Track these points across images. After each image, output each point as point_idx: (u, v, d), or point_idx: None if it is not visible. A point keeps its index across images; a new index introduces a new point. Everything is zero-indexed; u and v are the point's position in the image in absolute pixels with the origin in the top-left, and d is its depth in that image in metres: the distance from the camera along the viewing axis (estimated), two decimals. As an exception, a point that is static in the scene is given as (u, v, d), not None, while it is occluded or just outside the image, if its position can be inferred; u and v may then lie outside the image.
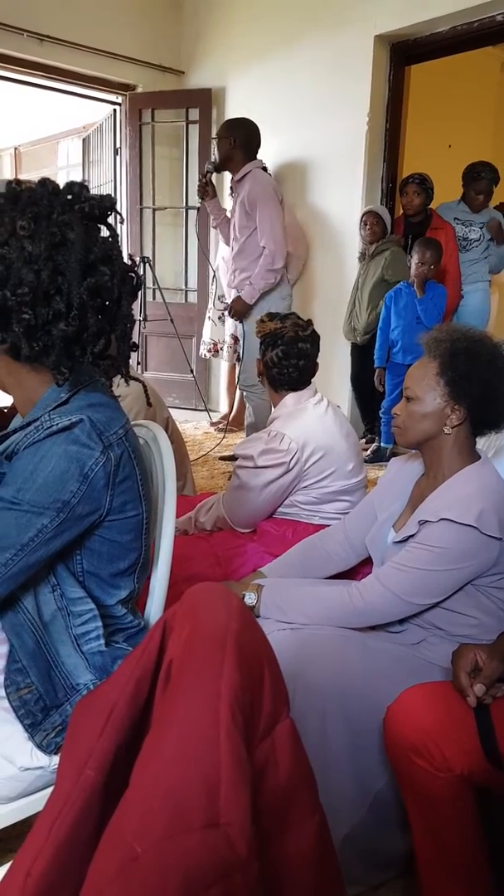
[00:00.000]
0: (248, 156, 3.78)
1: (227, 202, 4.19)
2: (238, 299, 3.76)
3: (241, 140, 3.74)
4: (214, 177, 4.00)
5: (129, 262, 1.09)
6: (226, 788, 0.61)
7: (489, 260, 4.23)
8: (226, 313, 4.73)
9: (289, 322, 2.16)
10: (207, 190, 3.89)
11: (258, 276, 3.68)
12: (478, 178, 4.10)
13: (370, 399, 4.54)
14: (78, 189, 1.03)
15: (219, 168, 3.83)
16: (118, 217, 1.08)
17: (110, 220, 1.08)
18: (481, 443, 1.51)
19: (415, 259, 3.86)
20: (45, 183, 1.03)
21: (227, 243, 4.10)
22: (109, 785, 0.73)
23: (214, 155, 3.89)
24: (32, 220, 0.98)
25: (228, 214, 3.99)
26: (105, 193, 1.08)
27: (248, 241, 3.76)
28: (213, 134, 5.08)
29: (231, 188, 3.97)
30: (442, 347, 1.41)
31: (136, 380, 1.21)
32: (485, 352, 1.39)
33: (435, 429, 1.43)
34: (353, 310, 4.37)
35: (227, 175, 4.04)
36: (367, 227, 4.19)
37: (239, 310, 3.76)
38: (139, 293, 1.10)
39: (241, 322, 3.80)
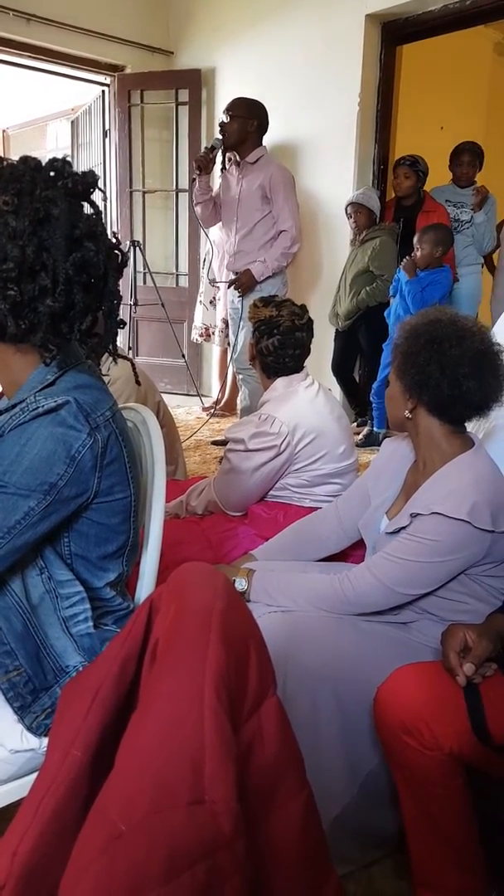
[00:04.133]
0: (261, 140, 3.79)
1: (214, 183, 4.14)
2: (247, 272, 3.75)
3: (260, 123, 3.75)
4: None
5: (114, 240, 1.08)
6: (210, 765, 0.61)
7: (475, 238, 4.18)
8: (217, 297, 4.71)
9: (285, 310, 2.14)
10: (209, 166, 3.82)
11: (273, 257, 3.74)
12: (461, 151, 4.17)
13: (354, 384, 4.54)
14: (60, 165, 1.02)
15: (232, 146, 3.75)
16: (102, 194, 1.07)
17: (94, 197, 1.07)
18: (471, 426, 1.50)
19: (414, 241, 3.80)
20: (27, 160, 1.02)
21: (208, 223, 4.05)
22: (96, 765, 0.73)
23: (217, 134, 3.82)
24: (15, 195, 0.97)
25: (214, 193, 3.96)
26: (88, 170, 1.07)
27: (259, 224, 3.76)
28: (204, 113, 5.04)
29: (223, 167, 3.93)
30: (400, 331, 1.42)
31: (124, 357, 1.20)
32: (425, 335, 1.36)
33: (400, 413, 1.44)
34: (339, 294, 4.35)
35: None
36: (351, 219, 4.18)
37: (246, 283, 3.76)
38: (129, 277, 1.10)
39: (242, 297, 3.78)
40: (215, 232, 4.27)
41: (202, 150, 4.11)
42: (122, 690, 0.78)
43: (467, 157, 4.14)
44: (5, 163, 1.02)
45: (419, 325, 1.39)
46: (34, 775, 1.08)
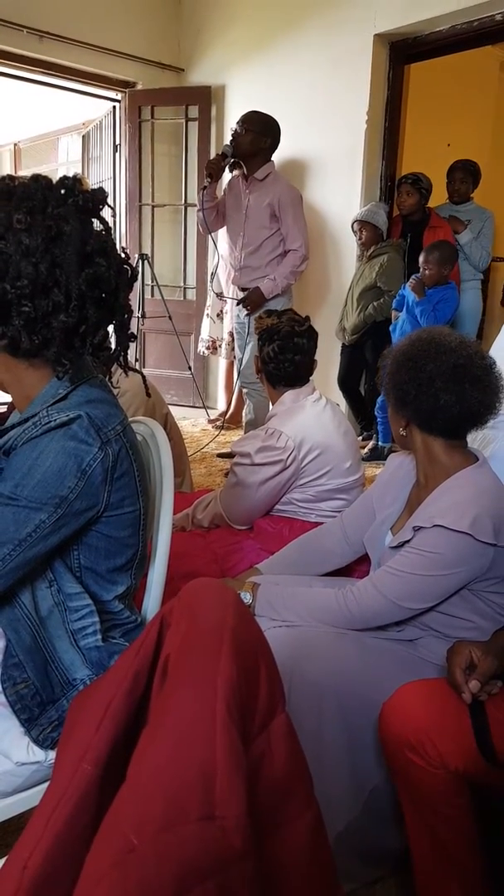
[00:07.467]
0: (270, 157, 3.82)
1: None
2: (257, 290, 3.76)
3: (273, 141, 3.77)
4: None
5: (123, 255, 1.10)
6: (221, 781, 0.62)
7: (468, 256, 4.20)
8: (224, 310, 4.73)
9: (285, 318, 2.17)
10: (219, 173, 3.82)
11: (283, 275, 3.75)
12: (454, 169, 4.25)
13: (360, 398, 4.56)
14: (71, 183, 1.04)
15: (241, 157, 3.74)
16: (111, 210, 1.08)
17: (103, 214, 1.09)
18: (470, 438, 1.51)
19: (420, 261, 3.83)
20: (38, 178, 1.04)
21: (213, 227, 4.04)
22: (106, 779, 0.73)
23: (228, 143, 3.82)
24: (28, 214, 0.99)
25: (219, 200, 3.97)
26: (97, 187, 1.09)
27: (267, 242, 3.77)
28: (213, 129, 5.08)
29: (229, 183, 3.95)
30: (385, 354, 1.47)
31: (135, 370, 1.22)
32: (402, 355, 1.40)
33: (397, 431, 1.47)
34: (346, 308, 4.38)
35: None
36: (357, 235, 4.21)
37: (256, 301, 3.77)
38: (137, 290, 1.11)
39: (250, 315, 3.80)
40: (222, 245, 4.30)
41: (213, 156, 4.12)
42: (133, 705, 0.78)
43: (459, 175, 4.21)
44: (17, 182, 1.04)
45: (402, 345, 1.44)
46: (39, 788, 1.09)
